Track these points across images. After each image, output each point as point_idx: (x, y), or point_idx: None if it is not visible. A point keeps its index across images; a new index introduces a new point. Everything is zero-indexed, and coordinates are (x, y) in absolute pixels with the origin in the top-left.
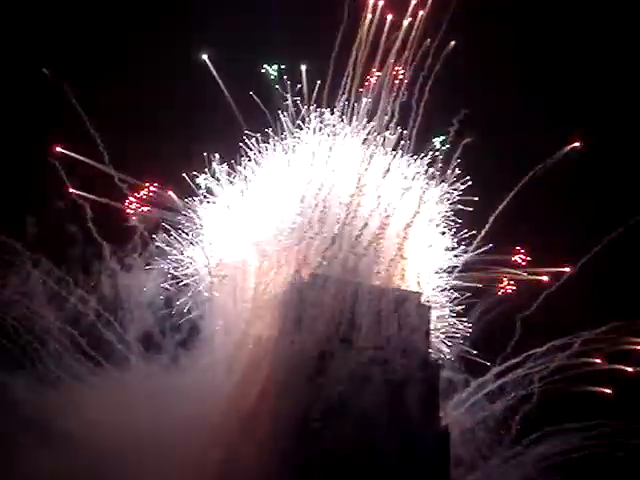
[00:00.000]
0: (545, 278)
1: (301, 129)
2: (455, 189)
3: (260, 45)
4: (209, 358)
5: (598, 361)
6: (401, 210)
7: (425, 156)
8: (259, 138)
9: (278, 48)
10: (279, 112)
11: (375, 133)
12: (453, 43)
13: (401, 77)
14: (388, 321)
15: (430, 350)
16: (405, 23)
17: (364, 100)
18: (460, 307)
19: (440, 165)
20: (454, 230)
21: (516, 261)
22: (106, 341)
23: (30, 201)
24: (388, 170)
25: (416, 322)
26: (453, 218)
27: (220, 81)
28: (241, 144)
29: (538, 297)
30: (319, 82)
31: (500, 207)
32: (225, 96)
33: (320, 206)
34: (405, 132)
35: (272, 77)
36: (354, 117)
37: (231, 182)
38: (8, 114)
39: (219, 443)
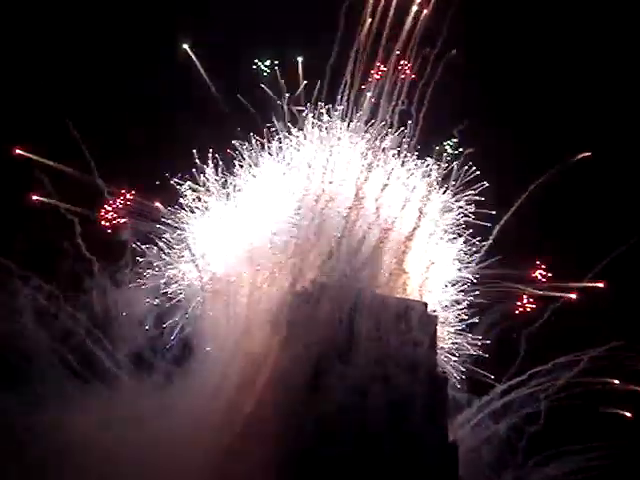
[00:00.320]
0: (573, 296)
1: (297, 130)
2: (467, 199)
3: (251, 40)
4: (201, 377)
5: (616, 381)
6: (405, 219)
7: (436, 161)
8: (252, 142)
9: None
10: (274, 114)
11: (377, 135)
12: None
13: (406, 72)
14: (390, 333)
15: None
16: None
17: (367, 95)
18: (466, 322)
19: (448, 171)
20: (464, 240)
21: (536, 277)
22: (96, 359)
23: (19, 216)
24: (390, 177)
25: (421, 334)
26: (463, 226)
27: (205, 75)
28: (232, 150)
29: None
30: (317, 81)
31: (508, 214)
32: (213, 95)
33: (317, 217)
34: (408, 135)
35: (264, 74)
36: (354, 117)
37: (222, 190)
38: None
39: (211, 464)
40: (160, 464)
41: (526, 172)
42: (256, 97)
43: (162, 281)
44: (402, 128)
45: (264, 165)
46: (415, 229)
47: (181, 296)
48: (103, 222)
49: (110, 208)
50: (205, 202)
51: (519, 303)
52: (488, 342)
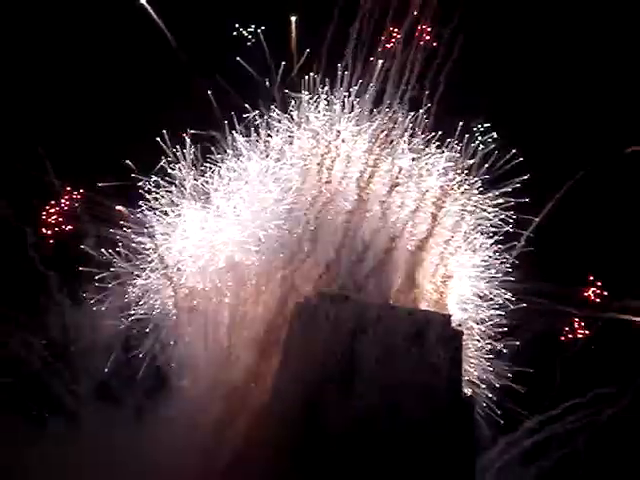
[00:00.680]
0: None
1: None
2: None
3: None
4: (175, 411)
5: None
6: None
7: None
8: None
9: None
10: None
11: (387, 123)
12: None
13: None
14: (405, 352)
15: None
16: None
17: (379, 63)
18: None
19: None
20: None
21: (589, 296)
22: (53, 392)
23: None
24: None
25: (443, 352)
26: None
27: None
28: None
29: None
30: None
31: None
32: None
33: (312, 222)
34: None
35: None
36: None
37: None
38: None
39: None
40: None
41: (575, 164)
42: (238, 73)
43: (129, 298)
44: (419, 111)
45: (249, 159)
46: (428, 236)
47: (152, 315)
48: (44, 229)
49: (53, 211)
50: (177, 203)
51: (567, 328)
52: (530, 371)
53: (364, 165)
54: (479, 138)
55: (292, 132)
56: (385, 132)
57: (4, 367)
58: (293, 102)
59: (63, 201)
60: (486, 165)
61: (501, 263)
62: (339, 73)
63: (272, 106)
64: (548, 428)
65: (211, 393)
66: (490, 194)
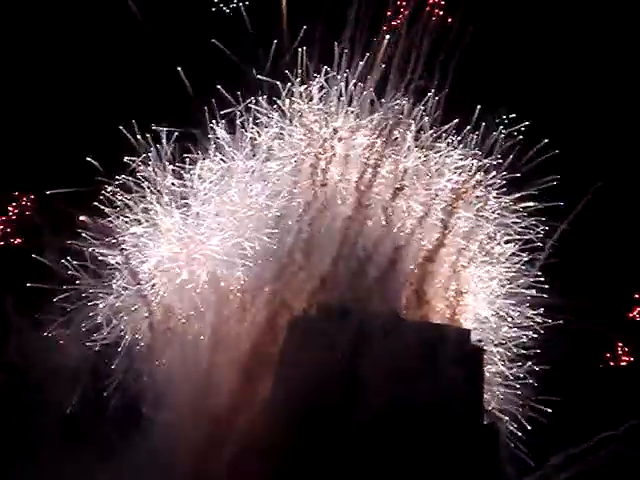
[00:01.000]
0: None
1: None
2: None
3: None
4: (152, 447)
5: None
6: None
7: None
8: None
9: None
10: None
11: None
12: None
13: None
14: (416, 372)
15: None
16: None
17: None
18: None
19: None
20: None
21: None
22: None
23: None
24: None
25: (461, 372)
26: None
27: None
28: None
29: None
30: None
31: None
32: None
33: (305, 231)
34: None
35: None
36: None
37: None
38: None
39: None
40: None
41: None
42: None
43: (97, 319)
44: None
45: (233, 158)
46: (438, 246)
47: (124, 338)
48: None
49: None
50: (151, 209)
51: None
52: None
53: (364, 165)
54: (502, 131)
55: (282, 128)
56: (389, 126)
57: None
58: (284, 92)
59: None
60: (508, 160)
61: (524, 276)
62: (336, 57)
63: (259, 97)
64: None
65: (191, 423)
66: (512, 196)
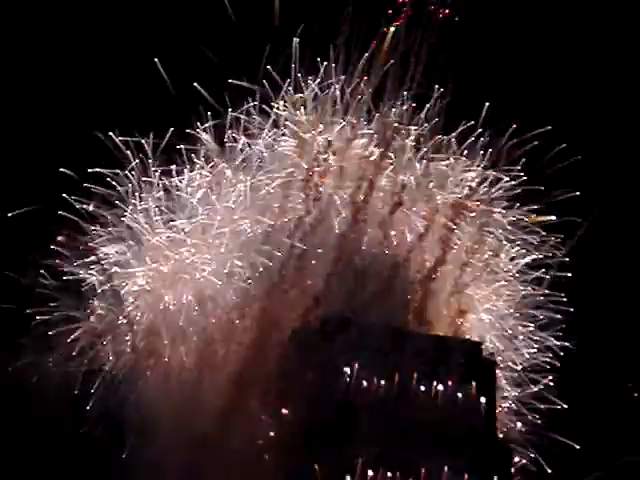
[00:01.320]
0: None
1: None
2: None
3: None
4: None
5: None
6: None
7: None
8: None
9: None
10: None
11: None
12: None
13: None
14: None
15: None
16: None
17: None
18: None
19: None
20: None
21: None
22: None
23: None
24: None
25: (469, 387)
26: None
27: None
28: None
29: None
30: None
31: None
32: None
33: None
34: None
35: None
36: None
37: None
38: None
39: None
40: None
41: None
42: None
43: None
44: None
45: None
46: (439, 264)
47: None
48: None
49: None
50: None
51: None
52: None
53: (360, 179)
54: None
55: (275, 139)
56: (387, 135)
57: None
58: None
59: None
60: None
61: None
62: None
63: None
64: None
65: (177, 446)
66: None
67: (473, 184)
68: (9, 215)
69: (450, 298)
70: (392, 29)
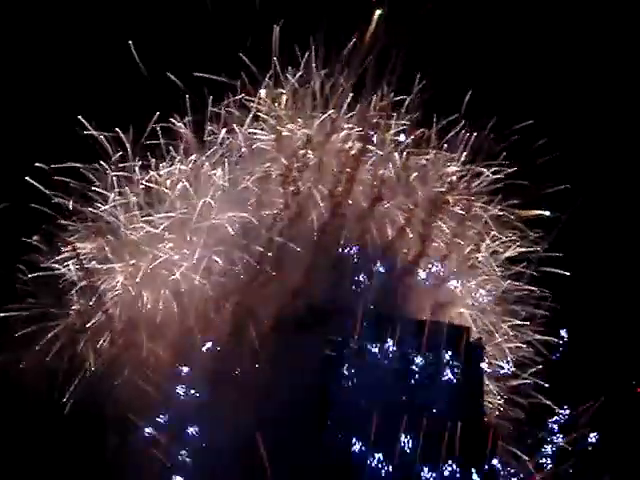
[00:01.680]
0: None
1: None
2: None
3: None
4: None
5: None
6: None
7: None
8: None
9: None
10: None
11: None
12: None
13: None
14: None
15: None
16: None
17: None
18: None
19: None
20: None
21: None
22: None
23: None
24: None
25: (456, 372)
26: None
27: None
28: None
29: None
30: None
31: None
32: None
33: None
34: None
35: None
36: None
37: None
38: None
39: None
40: None
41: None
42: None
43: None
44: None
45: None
46: (419, 256)
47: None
48: None
49: None
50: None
51: None
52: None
53: (339, 173)
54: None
55: (253, 133)
56: (367, 130)
57: None
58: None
59: None
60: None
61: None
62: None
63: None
64: None
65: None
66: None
67: (454, 178)
68: None
69: (431, 292)
70: (378, 12)
